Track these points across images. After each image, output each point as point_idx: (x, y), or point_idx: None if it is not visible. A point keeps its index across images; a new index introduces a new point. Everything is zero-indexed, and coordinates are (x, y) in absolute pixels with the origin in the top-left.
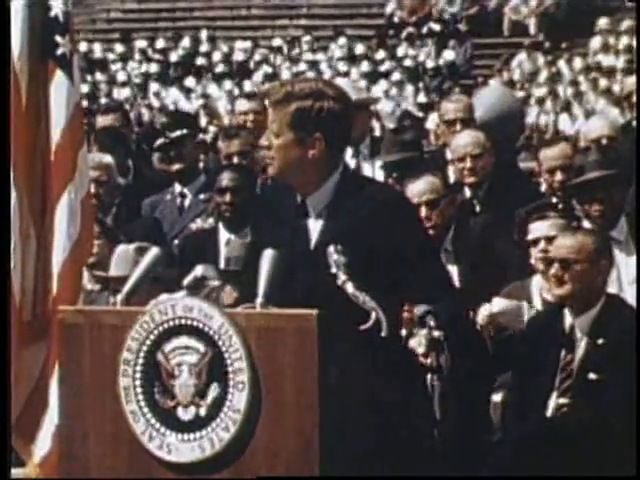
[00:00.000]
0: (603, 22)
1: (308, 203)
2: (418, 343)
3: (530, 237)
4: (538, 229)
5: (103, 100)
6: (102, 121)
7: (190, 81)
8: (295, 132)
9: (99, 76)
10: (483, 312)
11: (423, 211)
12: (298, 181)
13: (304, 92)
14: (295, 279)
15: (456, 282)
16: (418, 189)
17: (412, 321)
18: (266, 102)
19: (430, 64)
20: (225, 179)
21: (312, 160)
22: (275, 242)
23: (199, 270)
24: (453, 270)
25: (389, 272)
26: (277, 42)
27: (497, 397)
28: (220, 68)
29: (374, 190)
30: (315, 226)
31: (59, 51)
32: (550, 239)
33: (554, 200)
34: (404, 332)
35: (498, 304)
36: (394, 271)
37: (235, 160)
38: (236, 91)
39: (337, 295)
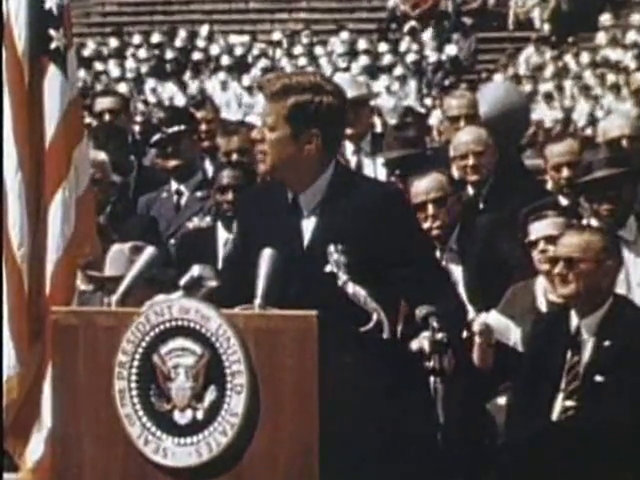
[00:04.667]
0: (609, 16)
1: (300, 201)
2: (421, 345)
3: (530, 238)
4: (538, 230)
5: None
6: (100, 103)
7: (187, 76)
8: (292, 126)
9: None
10: (478, 321)
11: (430, 209)
12: (291, 178)
13: (302, 85)
14: (291, 279)
15: (460, 281)
16: (425, 187)
17: (409, 320)
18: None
19: (433, 59)
20: (226, 177)
21: (307, 156)
22: (267, 241)
23: (196, 270)
24: (458, 269)
25: (386, 271)
26: (276, 36)
27: (502, 400)
28: (218, 62)
29: (368, 187)
30: (308, 224)
31: (53, 45)
32: (550, 239)
33: (560, 198)
34: (404, 332)
35: (492, 317)
36: (391, 269)
37: (234, 157)
38: (235, 85)
39: (336, 296)
